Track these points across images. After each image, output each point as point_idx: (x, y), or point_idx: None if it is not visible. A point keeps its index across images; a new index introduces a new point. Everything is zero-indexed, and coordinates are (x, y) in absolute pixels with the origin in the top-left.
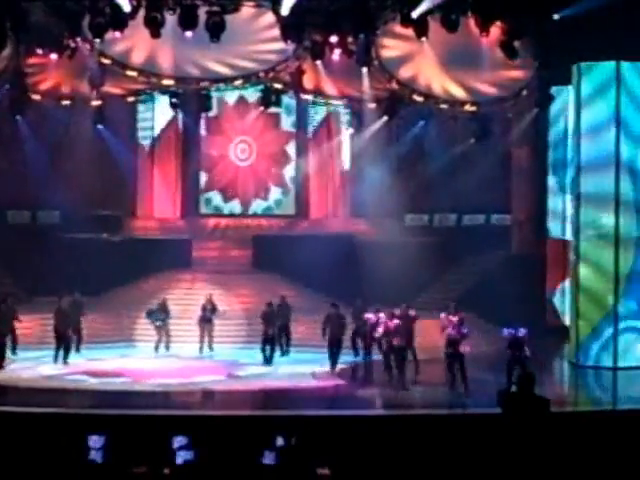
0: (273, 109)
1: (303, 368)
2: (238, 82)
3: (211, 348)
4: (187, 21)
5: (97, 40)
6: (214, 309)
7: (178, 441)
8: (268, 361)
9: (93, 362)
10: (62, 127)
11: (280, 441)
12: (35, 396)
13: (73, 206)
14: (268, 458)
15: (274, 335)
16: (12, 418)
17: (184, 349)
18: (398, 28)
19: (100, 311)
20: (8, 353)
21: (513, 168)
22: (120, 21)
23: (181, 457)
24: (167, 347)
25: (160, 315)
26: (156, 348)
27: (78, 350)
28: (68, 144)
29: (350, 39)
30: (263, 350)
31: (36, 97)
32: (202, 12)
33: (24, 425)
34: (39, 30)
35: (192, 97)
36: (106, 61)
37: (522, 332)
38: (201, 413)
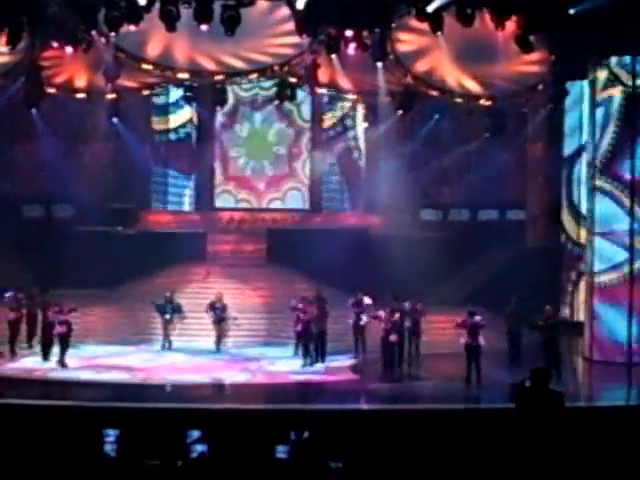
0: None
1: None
2: (253, 76)
3: (223, 346)
4: (202, 14)
5: (112, 33)
6: (224, 308)
7: (192, 435)
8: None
9: (107, 356)
10: (77, 120)
11: (293, 435)
12: (49, 389)
13: (88, 199)
14: (281, 452)
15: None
16: (26, 411)
17: (198, 343)
18: (413, 22)
19: (114, 305)
20: (22, 345)
21: (528, 163)
22: (135, 14)
23: (195, 451)
24: (169, 346)
25: (168, 308)
26: (163, 346)
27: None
28: (83, 137)
29: (365, 33)
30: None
31: (51, 90)
32: (217, 6)
33: (38, 418)
34: (55, 23)
35: (207, 91)
36: (121, 54)
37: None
38: (215, 407)
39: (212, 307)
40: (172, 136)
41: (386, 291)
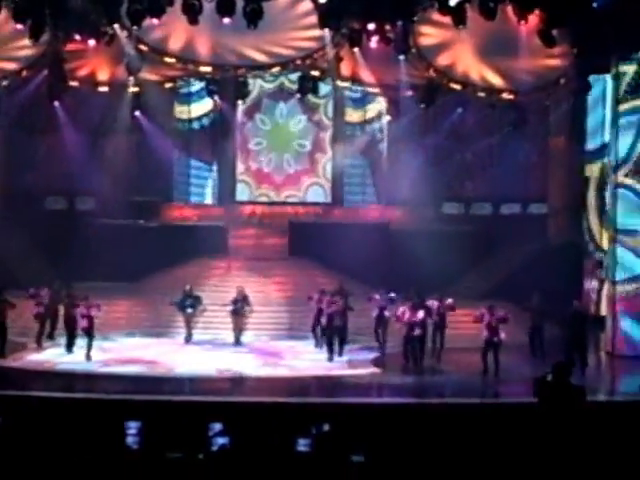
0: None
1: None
2: (275, 69)
3: (241, 339)
4: (225, 8)
5: (135, 27)
6: (246, 301)
7: (213, 427)
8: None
9: (129, 349)
10: (99, 113)
11: (315, 428)
12: (72, 382)
13: (110, 192)
14: (303, 445)
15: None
16: (49, 403)
17: (220, 337)
18: (436, 15)
19: (136, 298)
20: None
21: (550, 157)
22: (158, 8)
23: (216, 443)
24: (189, 338)
25: (187, 302)
26: (187, 339)
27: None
28: (105, 130)
29: (388, 26)
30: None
31: (74, 83)
32: None
33: (61, 410)
34: (77, 16)
35: (229, 84)
36: (144, 48)
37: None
38: (236, 400)
39: (233, 300)
40: (194, 125)
41: (407, 284)
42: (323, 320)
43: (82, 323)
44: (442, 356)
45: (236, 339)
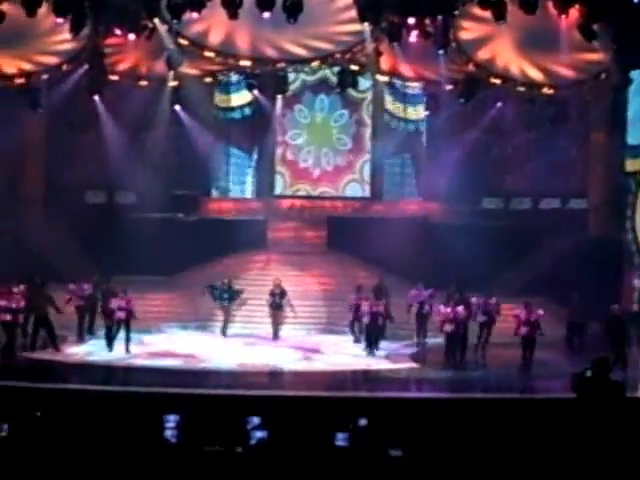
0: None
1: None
2: (315, 63)
3: (279, 332)
4: (265, 2)
5: (175, 21)
6: (283, 294)
7: (252, 421)
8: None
9: (168, 342)
10: (139, 107)
11: (353, 423)
12: (111, 375)
13: (149, 186)
14: (341, 440)
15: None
16: (88, 396)
17: (259, 330)
18: (476, 10)
19: (175, 291)
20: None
21: (590, 152)
22: (198, 2)
23: (254, 437)
24: (225, 331)
25: (225, 295)
26: (223, 331)
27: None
28: (145, 125)
29: (428, 21)
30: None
31: (114, 77)
32: None
33: (99, 403)
34: (118, 10)
35: (269, 78)
36: (184, 42)
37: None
38: (275, 393)
39: (271, 293)
40: (234, 114)
41: (446, 279)
42: (365, 319)
43: (119, 314)
44: (483, 352)
45: (275, 333)
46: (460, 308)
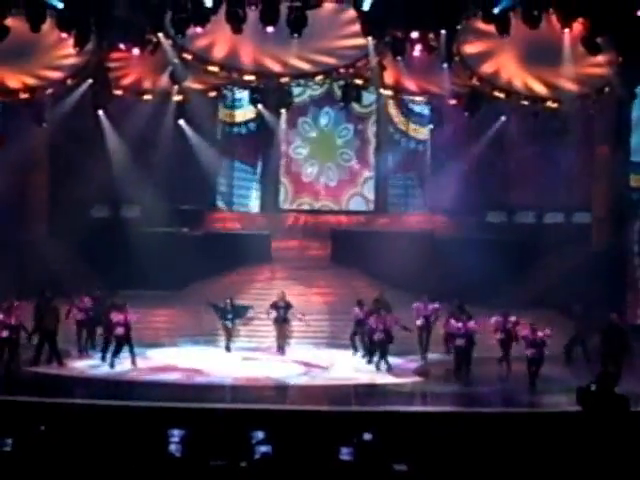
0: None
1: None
2: (319, 78)
3: (285, 346)
4: (268, 16)
5: (179, 35)
6: (288, 307)
7: (256, 435)
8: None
9: (172, 357)
10: (144, 122)
11: (357, 437)
12: (114, 389)
13: (154, 200)
14: (345, 454)
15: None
16: (92, 411)
17: (263, 344)
18: (480, 24)
19: (180, 306)
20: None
21: (594, 166)
22: (202, 16)
23: (259, 451)
24: (229, 348)
25: (229, 314)
26: (227, 348)
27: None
28: (149, 139)
29: (431, 35)
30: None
31: (118, 92)
32: (283, 7)
33: (104, 418)
34: (122, 25)
35: (273, 92)
36: (188, 56)
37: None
38: (279, 408)
39: (275, 306)
40: (239, 129)
41: (451, 293)
42: (377, 335)
43: (119, 330)
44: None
45: (281, 347)
46: (472, 323)
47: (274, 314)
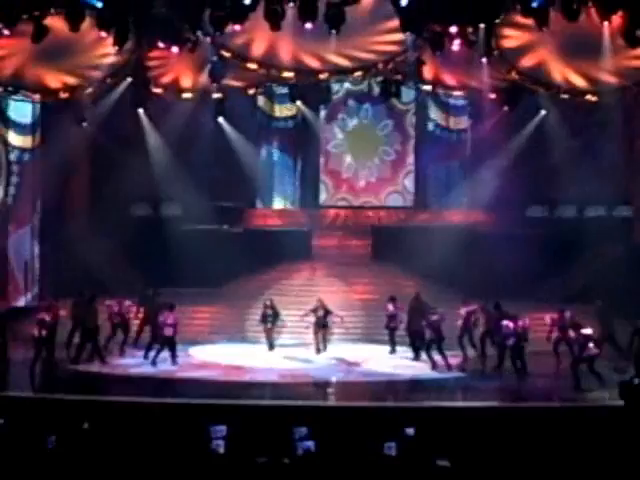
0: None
1: (423, 359)
2: (358, 74)
3: (323, 350)
4: (307, 13)
5: (218, 33)
6: (327, 313)
7: (299, 431)
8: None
9: (215, 354)
10: (183, 120)
11: (400, 432)
12: (157, 387)
13: (194, 198)
14: (389, 449)
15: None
16: (136, 408)
17: (304, 341)
18: (519, 18)
19: (220, 303)
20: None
21: (636, 158)
22: (240, 14)
23: (301, 447)
24: (271, 348)
25: (269, 317)
26: (270, 346)
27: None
28: (189, 137)
29: (470, 29)
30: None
31: (157, 90)
32: (322, 4)
33: (147, 415)
34: (161, 24)
35: (312, 89)
36: (227, 54)
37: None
38: (321, 404)
39: (314, 312)
40: (279, 124)
41: (491, 288)
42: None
43: (167, 331)
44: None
45: (318, 350)
46: (521, 321)
47: (312, 318)
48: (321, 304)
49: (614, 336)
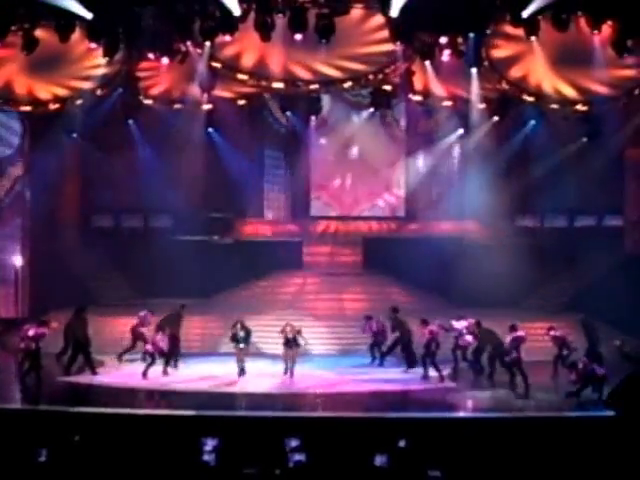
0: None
1: (414, 370)
2: (347, 84)
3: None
4: (297, 24)
5: (208, 44)
6: (297, 339)
7: (290, 443)
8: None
9: (203, 365)
10: (173, 131)
11: (392, 444)
12: (147, 399)
13: (185, 209)
14: (380, 460)
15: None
16: (126, 420)
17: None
18: (508, 28)
19: (210, 314)
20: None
21: (626, 168)
22: (230, 25)
23: (293, 459)
24: (242, 373)
25: (241, 337)
26: (241, 371)
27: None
28: (179, 148)
29: (460, 40)
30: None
31: (148, 101)
32: (312, 15)
33: (137, 427)
34: (150, 35)
35: (302, 100)
36: (217, 65)
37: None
38: (313, 415)
39: (284, 333)
40: (266, 145)
41: (482, 298)
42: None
43: (162, 344)
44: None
45: (287, 370)
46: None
47: (283, 340)
48: (292, 330)
49: (597, 350)
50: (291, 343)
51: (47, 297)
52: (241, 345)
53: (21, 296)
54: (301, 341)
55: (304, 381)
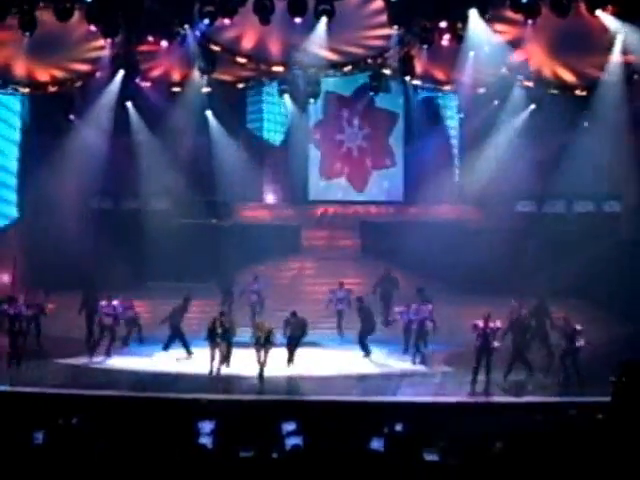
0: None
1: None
2: (347, 68)
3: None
4: (296, 8)
5: (207, 27)
6: (269, 335)
7: (287, 427)
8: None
9: (200, 349)
10: (173, 114)
11: (388, 427)
12: (145, 381)
13: (183, 192)
14: (376, 444)
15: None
16: (123, 402)
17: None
18: (508, 12)
19: (208, 298)
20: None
21: (624, 154)
22: (230, 8)
23: (289, 443)
24: (227, 363)
25: (219, 334)
26: (210, 372)
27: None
28: (179, 131)
29: (460, 24)
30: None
31: (147, 84)
32: None
33: (134, 410)
34: (150, 17)
35: (301, 83)
36: (216, 48)
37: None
38: (309, 399)
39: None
40: (266, 128)
41: (481, 283)
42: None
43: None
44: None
45: (259, 375)
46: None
47: (254, 341)
48: (261, 328)
49: (547, 337)
50: (261, 341)
51: (44, 279)
52: (218, 340)
53: (19, 278)
54: (274, 340)
55: (303, 364)
